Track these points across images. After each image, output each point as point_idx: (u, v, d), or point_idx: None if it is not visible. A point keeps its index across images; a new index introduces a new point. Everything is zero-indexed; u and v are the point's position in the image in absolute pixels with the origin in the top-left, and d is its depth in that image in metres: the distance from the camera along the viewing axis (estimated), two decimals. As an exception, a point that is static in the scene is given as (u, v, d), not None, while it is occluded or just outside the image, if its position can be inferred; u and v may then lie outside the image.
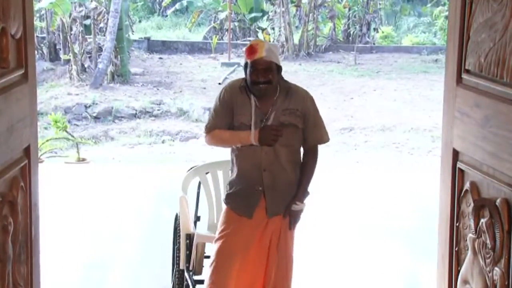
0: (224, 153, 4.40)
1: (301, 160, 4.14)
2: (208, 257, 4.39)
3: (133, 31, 20.10)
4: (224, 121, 4.03)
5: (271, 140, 3.94)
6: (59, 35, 19.30)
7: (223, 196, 4.26)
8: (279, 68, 4.01)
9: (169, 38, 23.15)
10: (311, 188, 4.21)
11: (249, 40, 22.12)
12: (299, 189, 4.08)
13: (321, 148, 4.26)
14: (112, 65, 17.55)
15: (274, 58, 3.96)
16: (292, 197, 4.06)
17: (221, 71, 18.71)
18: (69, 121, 13.82)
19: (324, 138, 4.17)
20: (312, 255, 5.75)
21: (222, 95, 4.07)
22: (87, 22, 18.73)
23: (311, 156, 4.13)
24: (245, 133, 3.97)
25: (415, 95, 16.59)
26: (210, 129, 4.09)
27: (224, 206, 4.14)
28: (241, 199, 4.05)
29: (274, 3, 21.37)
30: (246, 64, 4.01)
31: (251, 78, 3.94)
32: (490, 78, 2.74)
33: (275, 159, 3.99)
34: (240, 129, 4.00)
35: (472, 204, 2.88)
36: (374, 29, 22.78)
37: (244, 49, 4.13)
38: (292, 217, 4.09)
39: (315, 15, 21.44)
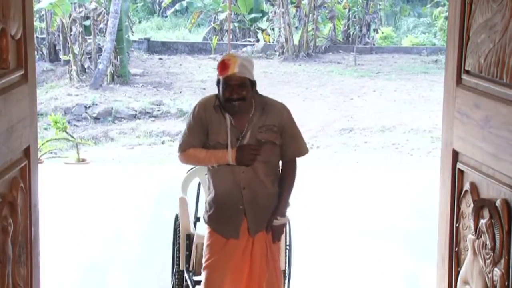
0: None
1: (279, 173, 3.99)
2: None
3: (133, 32, 20.10)
4: (198, 139, 3.89)
5: (248, 160, 3.81)
6: (59, 35, 19.31)
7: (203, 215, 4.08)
8: (253, 84, 3.85)
9: (169, 39, 23.16)
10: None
11: (249, 41, 22.18)
12: (280, 204, 3.95)
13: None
14: (112, 65, 17.55)
15: (247, 74, 3.81)
16: (273, 212, 3.93)
17: (220, 71, 18.67)
18: (69, 122, 13.82)
19: (302, 151, 4.01)
20: (312, 256, 5.75)
21: (195, 112, 3.92)
22: (87, 22, 18.74)
23: (290, 170, 3.98)
24: (222, 152, 3.84)
25: (415, 96, 16.60)
26: (184, 148, 3.93)
27: (206, 227, 3.99)
28: (224, 220, 3.92)
29: (274, 4, 21.37)
30: (218, 80, 3.84)
31: (224, 95, 3.78)
32: (489, 79, 2.74)
33: (253, 176, 3.86)
34: (216, 148, 3.86)
35: (472, 205, 2.88)
36: (374, 29, 22.78)
37: (216, 65, 3.94)
38: (275, 232, 3.96)
39: (315, 16, 21.44)
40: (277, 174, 3.98)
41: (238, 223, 3.89)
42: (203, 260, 3.96)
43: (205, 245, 3.99)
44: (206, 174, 4.08)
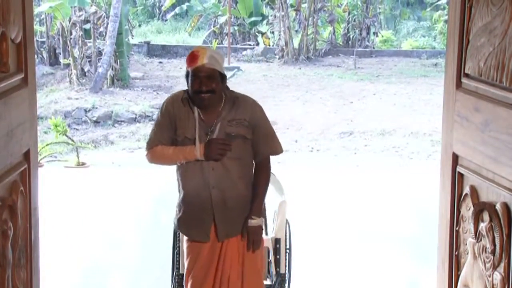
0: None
1: (253, 175, 3.82)
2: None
3: (132, 36, 20.12)
4: (167, 136, 3.73)
5: (217, 154, 3.64)
6: (59, 39, 19.33)
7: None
8: (223, 77, 3.71)
9: (168, 43, 23.17)
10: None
11: (249, 44, 22.20)
12: (254, 202, 3.74)
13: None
14: (112, 69, 17.57)
15: (217, 66, 3.66)
16: (247, 215, 3.72)
17: (220, 75, 18.68)
18: (69, 125, 13.81)
19: (277, 149, 3.82)
20: (312, 259, 5.75)
21: (163, 108, 3.79)
22: (87, 26, 18.76)
23: (264, 169, 3.80)
24: (190, 148, 3.67)
25: (415, 99, 16.60)
26: (151, 145, 3.76)
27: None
28: (193, 222, 3.74)
29: (274, 7, 21.39)
30: (187, 73, 3.72)
31: (193, 87, 3.64)
32: (489, 82, 2.74)
33: (225, 175, 3.69)
34: (184, 144, 3.69)
35: (472, 208, 2.88)
36: (374, 33, 22.81)
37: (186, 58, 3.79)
38: (251, 235, 3.72)
39: (314, 19, 21.46)
40: (251, 175, 3.81)
41: (207, 225, 3.71)
42: (185, 269, 3.81)
43: (184, 254, 3.83)
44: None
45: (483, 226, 2.78)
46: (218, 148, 3.65)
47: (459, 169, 3.00)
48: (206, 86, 3.63)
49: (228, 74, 19.09)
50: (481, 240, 2.80)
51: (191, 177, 3.73)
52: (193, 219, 3.75)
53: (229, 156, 3.67)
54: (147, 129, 14.72)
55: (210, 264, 3.73)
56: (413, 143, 13.23)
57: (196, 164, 3.69)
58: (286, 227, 4.36)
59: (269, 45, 21.93)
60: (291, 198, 4.63)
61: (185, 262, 3.83)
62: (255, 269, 3.78)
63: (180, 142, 3.71)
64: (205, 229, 3.72)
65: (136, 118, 15.45)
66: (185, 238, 3.84)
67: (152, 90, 17.58)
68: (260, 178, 3.81)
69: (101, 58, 17.70)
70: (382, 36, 23.19)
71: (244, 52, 21.28)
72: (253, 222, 3.74)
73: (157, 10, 26.78)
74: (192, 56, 3.67)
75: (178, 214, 3.81)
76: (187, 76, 3.73)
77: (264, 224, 4.06)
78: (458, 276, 3.04)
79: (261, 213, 3.83)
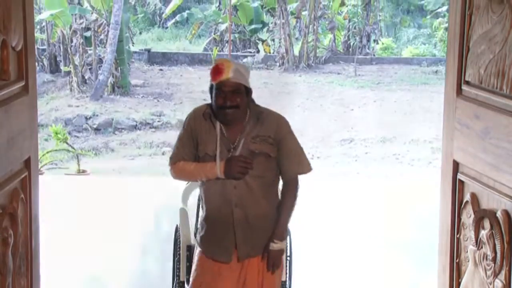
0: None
1: (279, 193, 3.65)
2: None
3: (133, 43, 20.15)
4: (188, 151, 3.57)
5: (238, 173, 3.46)
6: (59, 47, 19.35)
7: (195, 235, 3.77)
8: (248, 91, 3.54)
9: (169, 50, 23.20)
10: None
11: (250, 51, 22.22)
12: (278, 226, 3.58)
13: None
14: (113, 76, 17.58)
15: (242, 80, 3.49)
16: (269, 236, 3.56)
17: (221, 82, 18.70)
18: (69, 133, 13.83)
19: (304, 168, 3.63)
20: (313, 267, 5.74)
21: (185, 123, 3.63)
22: (88, 34, 18.78)
23: (291, 189, 3.62)
24: (210, 165, 3.50)
25: (415, 107, 16.61)
26: (174, 160, 3.61)
27: (197, 247, 3.72)
28: (215, 241, 3.59)
29: (274, 15, 21.42)
30: (211, 86, 3.54)
31: (217, 102, 3.48)
32: (490, 90, 2.75)
33: (247, 193, 3.52)
34: (205, 161, 3.53)
35: (472, 216, 2.88)
36: (374, 40, 22.83)
37: (209, 70, 3.61)
38: (271, 259, 3.58)
39: (315, 27, 21.48)
40: (276, 194, 3.65)
41: (230, 245, 3.55)
42: (191, 278, 3.68)
43: (194, 265, 3.71)
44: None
45: (483, 233, 2.78)
46: (239, 166, 3.47)
47: (459, 176, 3.00)
48: (231, 101, 3.47)
49: (228, 81, 19.15)
50: (482, 247, 2.80)
51: (213, 194, 3.58)
52: (215, 238, 3.60)
53: (252, 174, 3.50)
54: (147, 136, 14.74)
55: (229, 284, 3.57)
56: (414, 150, 13.23)
57: (218, 181, 3.53)
58: (287, 235, 4.35)
59: (270, 53, 21.95)
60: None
61: (193, 271, 3.68)
62: None
63: (202, 158, 3.56)
64: (228, 249, 3.57)
65: (136, 125, 15.46)
66: (198, 250, 3.70)
67: (153, 97, 17.59)
68: (286, 199, 3.63)
69: (101, 66, 17.72)
70: (383, 44, 23.21)
71: (244, 60, 21.29)
72: (276, 246, 3.59)
73: (158, 18, 26.81)
74: (217, 69, 3.50)
75: (201, 232, 3.67)
76: (211, 90, 3.56)
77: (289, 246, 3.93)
78: (459, 284, 3.04)
79: (284, 236, 3.66)
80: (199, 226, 3.73)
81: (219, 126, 3.55)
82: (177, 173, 3.64)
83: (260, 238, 3.58)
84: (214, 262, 3.60)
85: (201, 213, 3.72)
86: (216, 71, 3.50)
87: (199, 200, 4.66)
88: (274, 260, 3.60)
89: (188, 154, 3.59)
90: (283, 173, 3.62)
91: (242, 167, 3.48)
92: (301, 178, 3.71)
